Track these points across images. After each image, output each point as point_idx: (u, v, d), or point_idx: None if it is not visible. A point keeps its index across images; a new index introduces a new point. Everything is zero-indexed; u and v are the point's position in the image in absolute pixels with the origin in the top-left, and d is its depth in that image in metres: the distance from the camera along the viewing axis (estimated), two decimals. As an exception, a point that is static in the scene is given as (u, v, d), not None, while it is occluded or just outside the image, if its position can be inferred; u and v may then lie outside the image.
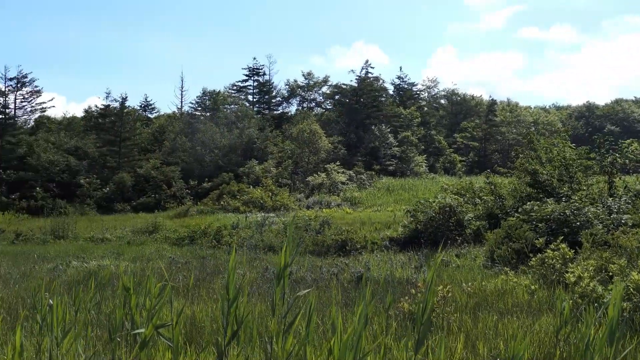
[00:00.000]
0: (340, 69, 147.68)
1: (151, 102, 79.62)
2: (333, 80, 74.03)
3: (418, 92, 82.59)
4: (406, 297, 8.68)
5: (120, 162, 51.17)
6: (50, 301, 5.03)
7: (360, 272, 12.45)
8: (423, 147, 63.56)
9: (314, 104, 76.70)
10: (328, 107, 74.42)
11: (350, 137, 61.06)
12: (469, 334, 7.39)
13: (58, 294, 6.74)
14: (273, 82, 77.06)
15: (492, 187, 21.71)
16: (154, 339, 4.97)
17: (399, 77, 78.91)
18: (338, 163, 49.47)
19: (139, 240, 24.63)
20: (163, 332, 4.48)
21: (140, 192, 45.33)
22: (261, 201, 38.48)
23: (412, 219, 21.53)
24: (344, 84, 68.73)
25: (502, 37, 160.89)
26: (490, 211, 20.68)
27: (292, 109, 76.67)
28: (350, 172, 49.54)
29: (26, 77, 58.98)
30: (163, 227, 28.31)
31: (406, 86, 79.20)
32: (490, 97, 77.94)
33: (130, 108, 61.54)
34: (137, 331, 4.32)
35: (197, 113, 68.17)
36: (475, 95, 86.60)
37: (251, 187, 42.75)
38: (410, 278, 12.52)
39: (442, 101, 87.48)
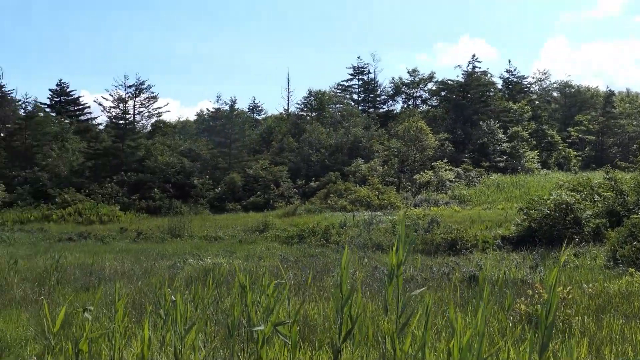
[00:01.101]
0: (446, 64, 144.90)
1: (259, 104, 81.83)
2: (439, 77, 72.72)
3: (528, 86, 79.56)
4: (522, 298, 8.34)
5: (230, 163, 52.82)
6: (173, 297, 5.24)
7: (472, 272, 12.13)
8: (535, 142, 61.06)
9: (419, 101, 75.77)
10: (434, 103, 73.22)
11: (458, 134, 59.77)
12: (593, 338, 6.99)
13: (178, 290, 7.01)
14: (378, 81, 77.07)
15: (613, 182, 20.53)
16: (269, 335, 5.05)
17: (507, 71, 76.44)
18: (445, 160, 48.60)
19: (250, 239, 25.30)
20: (278, 329, 4.55)
21: (250, 192, 46.57)
22: (368, 200, 38.50)
23: (525, 217, 20.77)
24: (450, 80, 67.40)
25: (620, 24, 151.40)
26: (610, 208, 19.58)
27: (397, 106, 76.25)
28: (458, 169, 48.52)
29: (143, 84, 62.30)
30: (272, 226, 28.95)
31: (515, 79, 76.51)
32: (607, 88, 73.74)
33: (239, 110, 63.46)
34: (256, 328, 4.40)
35: (303, 113, 69.30)
36: (590, 86, 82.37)
37: (357, 185, 42.89)
38: (525, 278, 12.06)
39: (555, 94, 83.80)
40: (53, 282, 11.87)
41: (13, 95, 70.13)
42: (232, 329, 4.76)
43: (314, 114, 66.75)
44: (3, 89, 68.46)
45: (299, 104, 71.93)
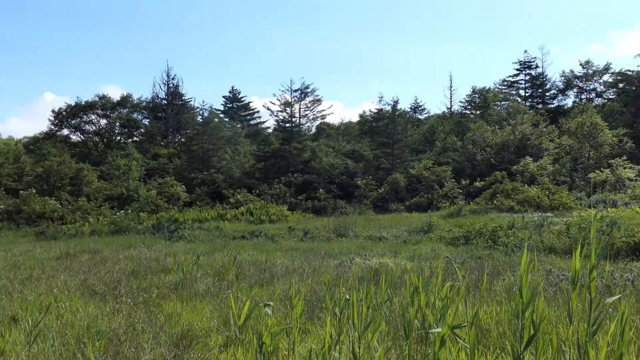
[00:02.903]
0: (624, 54, 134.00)
1: (421, 104, 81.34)
2: (615, 67, 67.50)
3: None
4: None
5: (393, 163, 52.99)
6: (347, 296, 5.32)
7: (662, 279, 11.08)
8: None
9: (593, 94, 70.87)
10: (610, 96, 68.11)
11: (638, 129, 55.07)
12: None
13: (353, 289, 7.11)
14: (546, 75, 73.38)
15: None
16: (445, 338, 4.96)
17: (697, 57, 69.08)
18: (624, 157, 44.97)
19: (414, 240, 25.10)
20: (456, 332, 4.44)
21: (413, 192, 46.38)
22: (537, 200, 36.68)
23: None
24: (628, 71, 62.33)
25: None
26: None
27: (569, 101, 71.98)
28: (640, 167, 44.72)
29: (308, 88, 64.64)
30: (437, 226, 28.53)
31: None
32: None
33: (401, 110, 63.51)
34: (433, 330, 4.33)
35: (466, 112, 67.82)
36: None
37: (526, 185, 41.02)
38: None
39: None
40: (231, 277, 12.60)
41: (192, 103, 76.10)
42: (409, 329, 4.73)
43: (478, 112, 65.04)
44: (183, 98, 74.46)
45: (462, 102, 70.61)
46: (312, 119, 71.60)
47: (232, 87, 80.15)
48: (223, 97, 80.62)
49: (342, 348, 5.56)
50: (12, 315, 8.83)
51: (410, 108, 79.04)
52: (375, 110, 62.98)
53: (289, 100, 60.67)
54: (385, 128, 57.16)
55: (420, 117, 78.14)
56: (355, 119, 76.78)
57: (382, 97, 78.57)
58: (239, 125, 70.32)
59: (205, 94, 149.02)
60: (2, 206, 39.05)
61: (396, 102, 59.26)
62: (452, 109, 72.32)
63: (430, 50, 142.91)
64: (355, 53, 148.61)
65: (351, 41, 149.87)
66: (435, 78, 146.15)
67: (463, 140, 54.37)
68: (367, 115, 67.80)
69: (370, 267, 14.22)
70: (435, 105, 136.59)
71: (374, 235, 27.25)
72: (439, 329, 4.23)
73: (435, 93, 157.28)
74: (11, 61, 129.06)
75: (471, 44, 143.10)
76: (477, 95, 66.92)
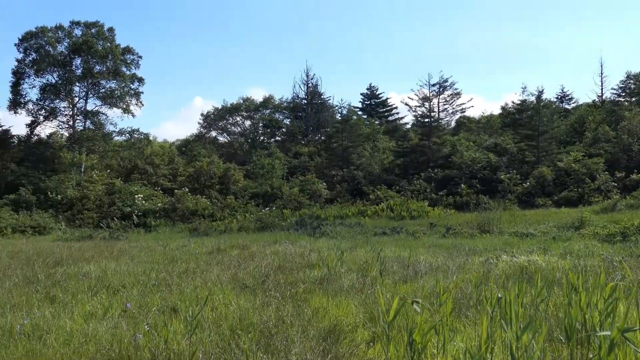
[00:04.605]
0: None
1: (568, 93, 76.75)
2: None
3: None
4: None
5: (538, 156, 50.56)
6: (499, 294, 5.10)
7: None
8: None
9: None
10: None
11: None
12: None
13: (505, 288, 6.83)
14: None
15: None
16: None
17: None
18: None
19: (565, 236, 23.81)
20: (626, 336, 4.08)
21: (561, 186, 43.96)
22: None
23: None
24: None
25: None
26: None
27: None
28: None
29: (447, 82, 63.44)
30: (589, 222, 26.87)
31: None
32: None
33: (546, 101, 60.38)
34: (602, 333, 4.01)
35: (620, 99, 63.20)
36: None
37: (691, 177, 37.51)
38: None
39: None
40: (375, 273, 12.61)
41: (330, 101, 77.43)
42: (571, 332, 4.43)
43: (633, 99, 60.33)
44: (322, 97, 75.95)
45: (614, 89, 65.86)
46: (451, 113, 70.24)
47: (370, 84, 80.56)
48: (361, 94, 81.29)
49: (493, 348, 5.33)
50: (172, 306, 9.42)
51: (556, 98, 74.86)
52: (519, 102, 60.46)
53: (427, 95, 59.78)
54: (530, 120, 54.56)
55: (567, 106, 73.81)
56: (496, 111, 74.21)
57: (525, 87, 75.10)
58: (377, 122, 70.37)
59: (343, 92, 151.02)
60: (159, 204, 41.97)
61: (541, 92, 56.46)
62: (604, 97, 67.70)
63: (577, 35, 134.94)
64: (495, 43, 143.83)
65: (490, 31, 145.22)
66: (584, 65, 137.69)
67: (617, 130, 50.64)
68: (509, 107, 65.28)
69: (519, 265, 13.64)
70: (583, 93, 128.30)
71: (520, 232, 26.18)
72: (608, 332, 3.90)
73: (583, 81, 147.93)
74: (165, 70, 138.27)
75: (624, 26, 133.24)
76: (632, 81, 62.11)
